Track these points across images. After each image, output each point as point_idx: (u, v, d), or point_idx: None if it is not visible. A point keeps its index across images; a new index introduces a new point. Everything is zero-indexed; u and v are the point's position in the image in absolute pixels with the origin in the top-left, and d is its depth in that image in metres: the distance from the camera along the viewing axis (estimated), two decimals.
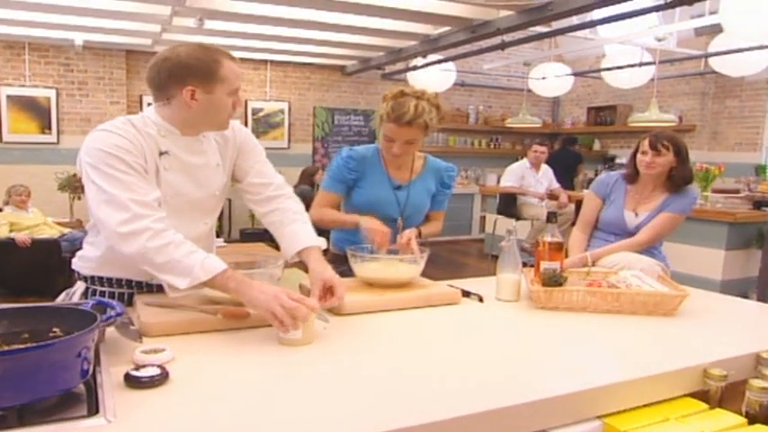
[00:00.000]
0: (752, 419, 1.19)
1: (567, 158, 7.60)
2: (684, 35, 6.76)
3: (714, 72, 5.95)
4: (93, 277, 1.73)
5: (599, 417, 1.17)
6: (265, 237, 7.45)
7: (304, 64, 8.49)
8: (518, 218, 6.26)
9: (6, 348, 0.98)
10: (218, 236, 6.50)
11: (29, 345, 0.99)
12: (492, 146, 9.83)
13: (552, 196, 6.39)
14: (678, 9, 5.62)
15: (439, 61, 6.82)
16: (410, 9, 5.12)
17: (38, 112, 6.84)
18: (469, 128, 9.64)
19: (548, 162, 6.53)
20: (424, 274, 1.98)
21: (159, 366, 1.12)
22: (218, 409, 1.02)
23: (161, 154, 1.61)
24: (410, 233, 2.05)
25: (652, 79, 6.22)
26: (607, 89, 7.69)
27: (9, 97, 6.81)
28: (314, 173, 7.57)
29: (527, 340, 1.52)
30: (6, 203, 5.52)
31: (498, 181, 7.46)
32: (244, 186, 1.81)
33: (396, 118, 2.07)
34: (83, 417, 0.95)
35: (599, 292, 1.72)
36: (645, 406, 1.23)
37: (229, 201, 8.23)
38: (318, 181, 7.81)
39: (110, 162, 1.49)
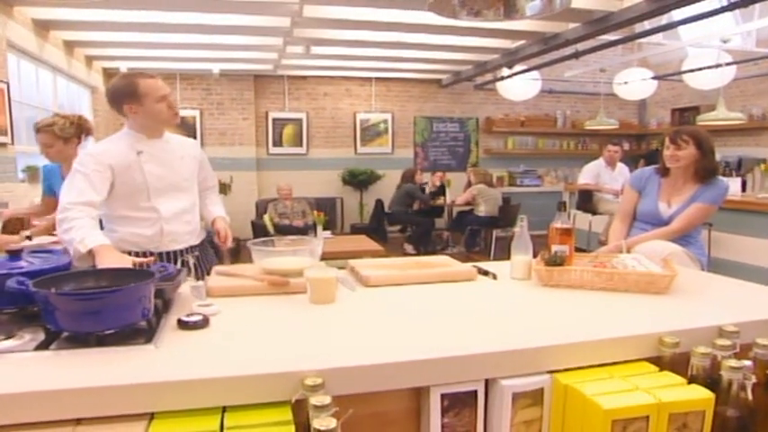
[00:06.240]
0: (692, 381, 1.21)
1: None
2: (765, 34, 6.17)
3: None
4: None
5: (549, 371, 1.23)
6: (369, 230, 7.73)
7: (404, 79, 8.70)
8: (594, 212, 6.04)
9: (89, 291, 1.25)
10: (327, 229, 6.80)
11: (102, 290, 1.24)
12: (579, 147, 9.49)
13: None
14: (758, 8, 5.19)
15: (523, 71, 6.74)
16: (489, 27, 5.16)
17: (186, 128, 7.61)
18: (558, 131, 9.37)
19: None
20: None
21: (203, 315, 1.35)
22: (236, 344, 1.22)
23: (138, 153, 2.04)
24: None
25: (734, 79, 5.77)
26: (691, 91, 7.16)
27: None
28: (413, 173, 7.74)
29: (520, 309, 1.57)
30: None
31: None
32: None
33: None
34: (140, 343, 1.19)
35: (594, 272, 1.74)
36: (601, 366, 1.27)
37: (342, 199, 8.60)
38: (418, 180, 7.88)
39: (76, 167, 1.97)
